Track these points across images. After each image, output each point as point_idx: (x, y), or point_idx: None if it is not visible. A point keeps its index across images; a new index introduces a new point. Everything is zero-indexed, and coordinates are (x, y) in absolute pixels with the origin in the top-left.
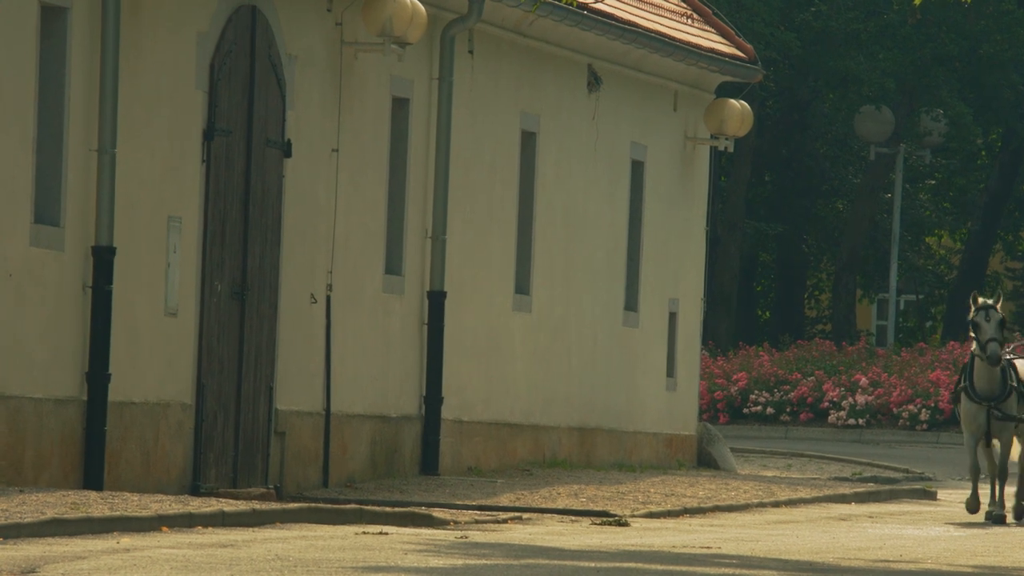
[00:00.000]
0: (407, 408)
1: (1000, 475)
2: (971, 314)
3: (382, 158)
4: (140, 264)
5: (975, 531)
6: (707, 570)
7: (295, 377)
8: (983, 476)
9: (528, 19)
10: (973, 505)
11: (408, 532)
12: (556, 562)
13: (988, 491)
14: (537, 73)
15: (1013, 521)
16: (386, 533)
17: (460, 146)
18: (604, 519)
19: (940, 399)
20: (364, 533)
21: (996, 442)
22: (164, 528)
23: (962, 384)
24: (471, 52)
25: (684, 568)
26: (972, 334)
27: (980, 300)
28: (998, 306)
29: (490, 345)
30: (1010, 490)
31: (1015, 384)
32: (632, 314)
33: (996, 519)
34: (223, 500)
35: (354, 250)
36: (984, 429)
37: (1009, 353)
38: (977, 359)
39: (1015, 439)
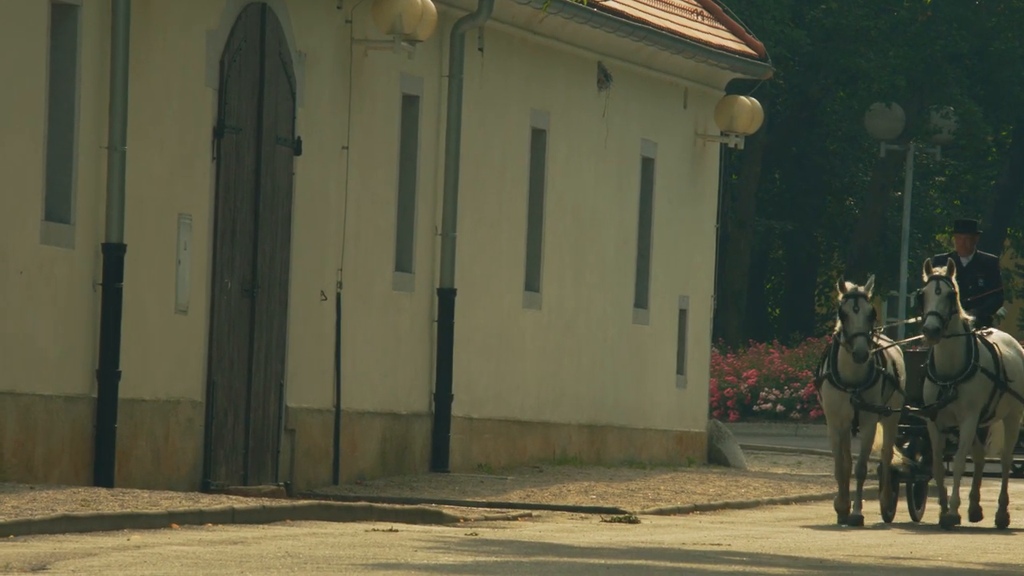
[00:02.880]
0: (417, 405)
1: (859, 472)
2: (838, 300)
3: (392, 155)
4: (150, 261)
5: (982, 530)
6: (717, 567)
7: (305, 374)
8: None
9: (538, 16)
10: (842, 506)
11: (418, 529)
12: (566, 559)
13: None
14: (547, 70)
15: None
16: (396, 530)
17: (470, 143)
18: (614, 516)
19: None
20: (374, 530)
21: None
22: (174, 525)
23: (825, 371)
24: (481, 49)
25: (694, 565)
26: (839, 322)
27: (849, 286)
28: (868, 293)
29: (500, 342)
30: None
31: (883, 368)
32: (642, 311)
33: (853, 521)
34: (233, 497)
35: (364, 247)
36: (851, 419)
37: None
38: (842, 346)
39: (878, 433)
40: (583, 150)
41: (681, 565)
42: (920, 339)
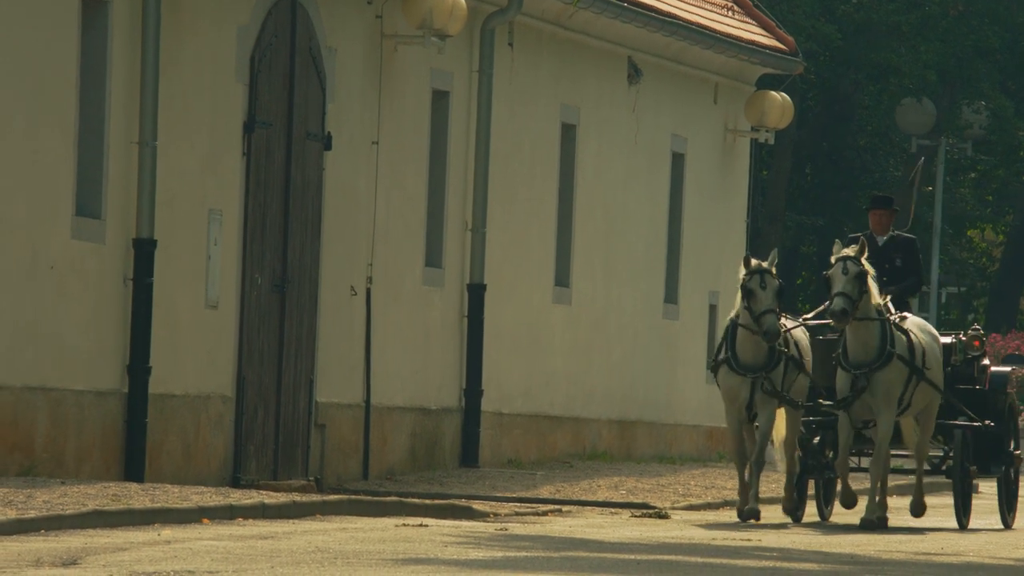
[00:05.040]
0: (447, 400)
1: (756, 463)
2: (742, 277)
3: (422, 151)
4: (181, 257)
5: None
6: (748, 563)
7: (335, 369)
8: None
9: (568, 11)
10: (743, 503)
11: (448, 524)
12: (596, 554)
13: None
14: (577, 65)
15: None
16: (426, 525)
17: (500, 139)
18: (644, 511)
19: None
20: (404, 525)
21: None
22: (205, 520)
23: (723, 355)
24: (511, 45)
25: (724, 561)
26: (744, 302)
27: (753, 262)
28: (774, 270)
29: (530, 338)
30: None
31: (785, 350)
32: (672, 307)
33: (748, 515)
34: (263, 492)
35: (394, 242)
36: (747, 404)
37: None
38: (741, 328)
39: (779, 422)
40: (613, 145)
41: (712, 560)
42: (828, 321)
